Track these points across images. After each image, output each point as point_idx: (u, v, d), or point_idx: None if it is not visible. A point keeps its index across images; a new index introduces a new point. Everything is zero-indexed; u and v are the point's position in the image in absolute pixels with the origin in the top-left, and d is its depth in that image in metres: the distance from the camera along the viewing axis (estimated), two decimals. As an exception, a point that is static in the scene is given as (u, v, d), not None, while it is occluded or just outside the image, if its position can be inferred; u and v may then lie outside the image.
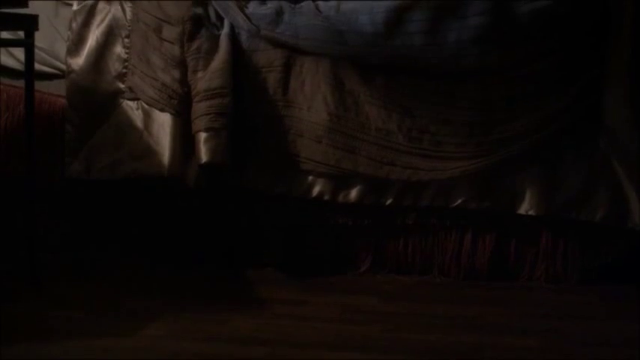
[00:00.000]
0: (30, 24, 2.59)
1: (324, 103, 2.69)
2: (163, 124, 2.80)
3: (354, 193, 2.73)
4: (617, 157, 2.55)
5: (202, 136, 2.64)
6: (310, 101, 2.72)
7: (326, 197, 2.74)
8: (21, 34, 2.66)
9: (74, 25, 2.93)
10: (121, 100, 2.88)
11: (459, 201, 2.67)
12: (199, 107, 2.68)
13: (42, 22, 2.72)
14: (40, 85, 2.83)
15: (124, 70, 2.88)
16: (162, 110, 2.79)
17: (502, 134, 2.60)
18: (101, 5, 2.93)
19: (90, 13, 2.93)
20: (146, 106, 2.83)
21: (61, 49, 2.96)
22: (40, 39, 2.76)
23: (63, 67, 2.95)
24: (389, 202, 2.71)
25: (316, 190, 2.74)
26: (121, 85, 2.88)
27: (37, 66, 2.79)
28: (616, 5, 2.55)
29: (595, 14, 2.56)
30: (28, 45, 2.60)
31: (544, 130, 2.58)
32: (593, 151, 2.58)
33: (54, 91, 2.99)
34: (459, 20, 2.59)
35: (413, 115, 2.66)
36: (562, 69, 2.58)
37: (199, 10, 2.81)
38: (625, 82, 2.53)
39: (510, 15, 2.57)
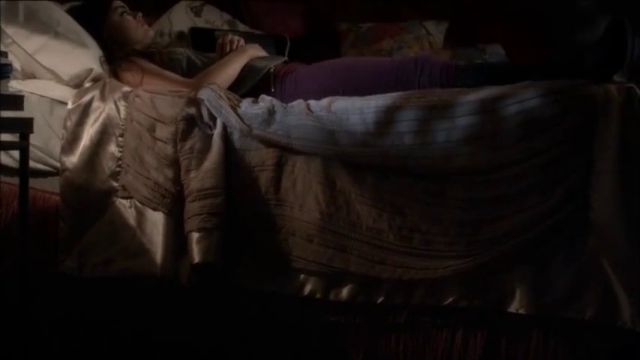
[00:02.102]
0: (25, 127, 2.63)
1: (315, 202, 2.71)
2: (156, 222, 2.82)
3: (345, 292, 2.73)
4: (606, 256, 2.55)
5: (195, 236, 2.67)
6: (302, 200, 2.73)
7: (317, 295, 2.75)
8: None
9: (69, 123, 2.96)
10: (115, 199, 2.90)
11: (450, 300, 2.67)
12: (192, 207, 2.71)
13: (37, 120, 2.77)
14: (34, 182, 2.87)
15: (118, 169, 2.91)
16: (155, 209, 2.82)
17: (491, 234, 2.61)
18: (95, 104, 2.97)
19: (84, 112, 2.97)
20: (139, 204, 2.86)
21: (56, 147, 2.99)
22: (34, 137, 2.79)
23: (57, 164, 2.98)
24: (380, 300, 2.71)
25: (308, 288, 2.75)
26: (115, 184, 2.91)
27: (32, 163, 2.83)
28: (603, 105, 2.57)
29: (582, 114, 2.57)
30: (23, 147, 2.63)
31: (533, 230, 2.58)
32: (581, 250, 2.58)
33: (48, 188, 3.02)
34: (448, 120, 2.62)
35: (403, 214, 2.67)
36: (550, 169, 2.59)
37: (192, 110, 2.84)
38: (612, 181, 2.54)
39: (499, 115, 2.60)
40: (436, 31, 4.30)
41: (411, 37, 4.19)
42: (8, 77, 2.65)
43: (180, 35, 4.10)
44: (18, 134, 2.70)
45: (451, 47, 4.31)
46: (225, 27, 4.29)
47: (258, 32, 4.28)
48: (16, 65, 3.10)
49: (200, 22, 4.24)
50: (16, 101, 2.65)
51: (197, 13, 4.29)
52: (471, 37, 4.49)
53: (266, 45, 3.93)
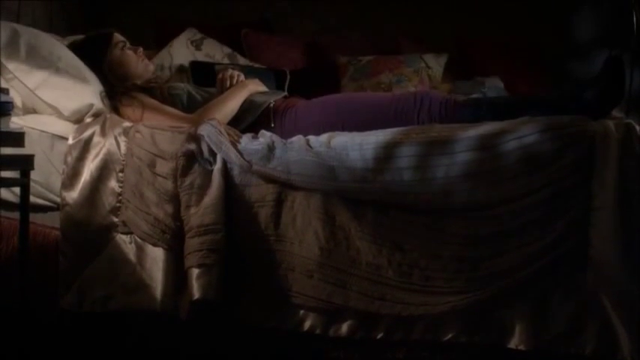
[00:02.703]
0: (26, 164, 2.64)
1: (315, 238, 2.71)
2: (156, 258, 2.83)
3: (345, 328, 2.73)
4: (606, 292, 2.55)
5: (195, 272, 2.67)
6: (301, 236, 2.74)
7: (317, 331, 2.75)
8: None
9: (69, 159, 2.97)
10: (115, 234, 2.91)
11: (450, 335, 2.67)
12: (192, 243, 2.71)
13: (37, 156, 2.79)
14: (34, 217, 2.88)
15: (118, 205, 2.91)
16: (155, 245, 2.83)
17: (491, 269, 2.61)
18: (96, 139, 2.98)
19: (85, 148, 2.98)
20: (139, 240, 2.86)
21: (56, 182, 3.00)
22: (35, 172, 2.81)
23: (58, 200, 2.98)
24: (380, 336, 2.71)
25: (307, 324, 2.75)
26: (115, 219, 2.91)
27: (32, 198, 2.84)
28: (601, 141, 2.58)
29: (581, 150, 2.58)
30: (24, 184, 2.64)
31: (532, 266, 2.59)
32: (581, 286, 2.58)
33: (48, 223, 3.02)
34: (447, 156, 2.63)
35: (403, 250, 2.68)
36: (549, 205, 2.60)
37: (192, 146, 2.85)
38: (611, 217, 2.54)
39: (498, 151, 2.61)
40: (435, 64, 4.32)
41: (410, 71, 4.21)
42: (9, 115, 2.66)
43: (181, 69, 4.13)
44: (19, 171, 2.71)
45: (450, 80, 4.33)
46: (226, 60, 4.31)
47: (257, 66, 4.30)
48: (17, 100, 3.11)
49: (200, 56, 4.27)
50: (17, 138, 2.66)
51: (197, 46, 4.31)
52: (469, 70, 4.51)
53: (266, 78, 3.95)
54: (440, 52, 4.46)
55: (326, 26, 5.18)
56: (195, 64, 4.12)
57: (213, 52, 4.34)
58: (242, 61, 4.38)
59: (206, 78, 3.89)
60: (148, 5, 5.28)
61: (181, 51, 4.24)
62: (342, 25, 5.13)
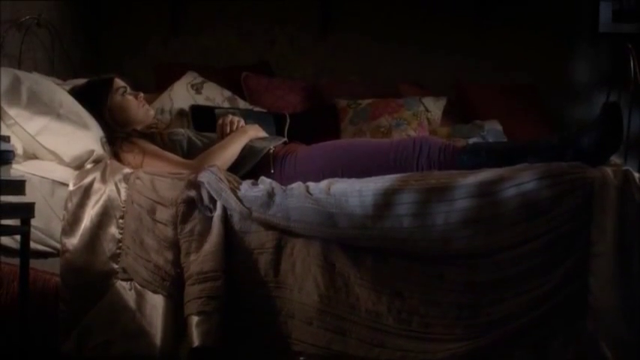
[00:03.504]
0: (26, 212, 2.65)
1: (314, 285, 2.72)
2: (156, 305, 2.83)
3: (344, 375, 2.73)
4: (605, 339, 2.54)
5: (194, 319, 2.67)
6: (301, 283, 2.74)
7: (317, 378, 2.74)
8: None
9: (70, 205, 2.98)
10: (115, 281, 2.92)
11: (450, 383, 2.66)
12: (192, 290, 2.71)
13: (38, 202, 2.80)
14: (34, 263, 2.89)
15: (118, 251, 2.92)
16: (155, 292, 2.83)
17: (490, 317, 2.60)
18: (96, 186, 3.00)
19: (85, 194, 2.99)
20: (139, 287, 2.87)
21: (57, 228, 3.01)
22: (35, 218, 2.82)
23: (58, 246, 3.00)
24: (379, 382, 2.70)
25: (307, 370, 2.75)
26: (115, 266, 2.92)
27: (33, 244, 2.85)
28: (600, 189, 2.59)
29: (580, 197, 2.59)
30: (24, 232, 2.65)
31: (532, 313, 2.58)
32: (580, 333, 2.57)
33: (48, 269, 3.03)
34: (446, 203, 2.64)
35: (402, 297, 2.68)
36: (549, 252, 2.60)
37: (192, 193, 2.86)
38: (611, 264, 2.54)
39: (497, 198, 2.61)
40: (434, 107, 4.33)
41: (410, 114, 4.22)
42: (10, 163, 2.68)
43: (181, 113, 4.14)
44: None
45: (449, 123, 4.34)
46: (226, 104, 4.32)
47: (257, 109, 4.31)
48: (18, 146, 3.13)
49: (201, 99, 4.28)
50: (17, 186, 2.67)
51: (198, 90, 4.33)
52: (468, 114, 4.53)
53: (265, 122, 3.97)
54: (439, 95, 4.47)
55: (325, 69, 5.21)
56: (195, 108, 4.13)
57: (214, 95, 4.36)
58: (242, 104, 4.39)
59: (206, 122, 3.91)
60: (149, 48, 5.32)
61: (182, 94, 4.26)
62: (342, 69, 5.16)
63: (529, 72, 4.99)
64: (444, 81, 4.88)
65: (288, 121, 4.12)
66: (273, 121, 4.13)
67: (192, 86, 4.33)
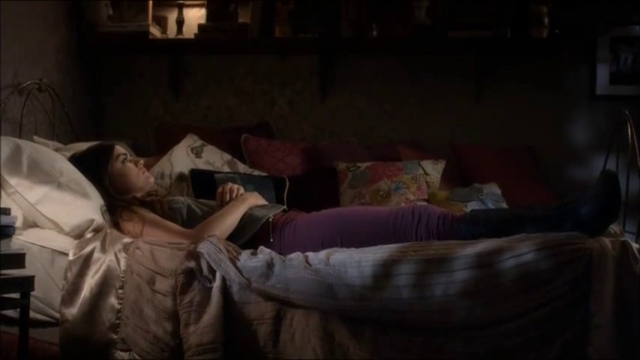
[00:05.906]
0: (26, 285, 2.65)
1: (313, 356, 2.71)
2: (155, 376, 2.82)
3: None
4: (604, 411, 2.54)
5: (194, 391, 2.66)
6: (300, 354, 2.74)
7: None
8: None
9: (69, 274, 2.99)
10: (114, 351, 2.92)
11: None
12: (191, 362, 2.71)
13: (37, 271, 2.81)
14: (34, 332, 2.89)
15: (117, 321, 2.93)
16: (154, 363, 2.82)
17: (490, 388, 2.60)
18: (96, 255, 3.00)
19: (85, 264, 3.00)
20: (138, 357, 2.87)
21: (56, 297, 3.01)
22: (35, 287, 2.81)
23: (57, 315, 3.00)
24: None
25: None
26: (114, 336, 2.93)
27: (32, 314, 2.86)
28: (598, 259, 2.59)
29: (578, 268, 2.59)
30: (24, 305, 2.65)
31: (532, 385, 2.58)
32: (580, 405, 2.57)
33: (48, 338, 3.03)
34: (445, 274, 2.64)
35: (402, 369, 2.67)
36: (547, 323, 2.59)
37: (192, 264, 2.87)
38: (609, 335, 2.54)
39: (495, 270, 2.62)
40: (433, 170, 4.34)
41: (409, 177, 4.23)
42: (10, 237, 2.68)
43: (181, 177, 4.15)
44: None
45: (448, 187, 4.35)
46: (226, 167, 4.34)
47: (257, 173, 4.32)
48: (18, 214, 3.14)
49: (200, 163, 4.30)
50: (17, 260, 2.68)
51: (197, 154, 4.35)
52: (467, 177, 4.54)
53: (265, 187, 3.99)
54: (437, 157, 4.49)
55: (325, 130, 5.23)
56: (195, 173, 4.14)
57: (213, 159, 4.37)
58: (242, 167, 4.41)
59: (206, 186, 3.93)
60: (149, 110, 5.34)
61: (182, 158, 4.27)
62: (341, 130, 5.18)
63: (527, 134, 5.01)
64: (442, 142, 4.91)
65: (287, 184, 4.13)
66: (273, 185, 4.14)
67: (192, 150, 4.35)
